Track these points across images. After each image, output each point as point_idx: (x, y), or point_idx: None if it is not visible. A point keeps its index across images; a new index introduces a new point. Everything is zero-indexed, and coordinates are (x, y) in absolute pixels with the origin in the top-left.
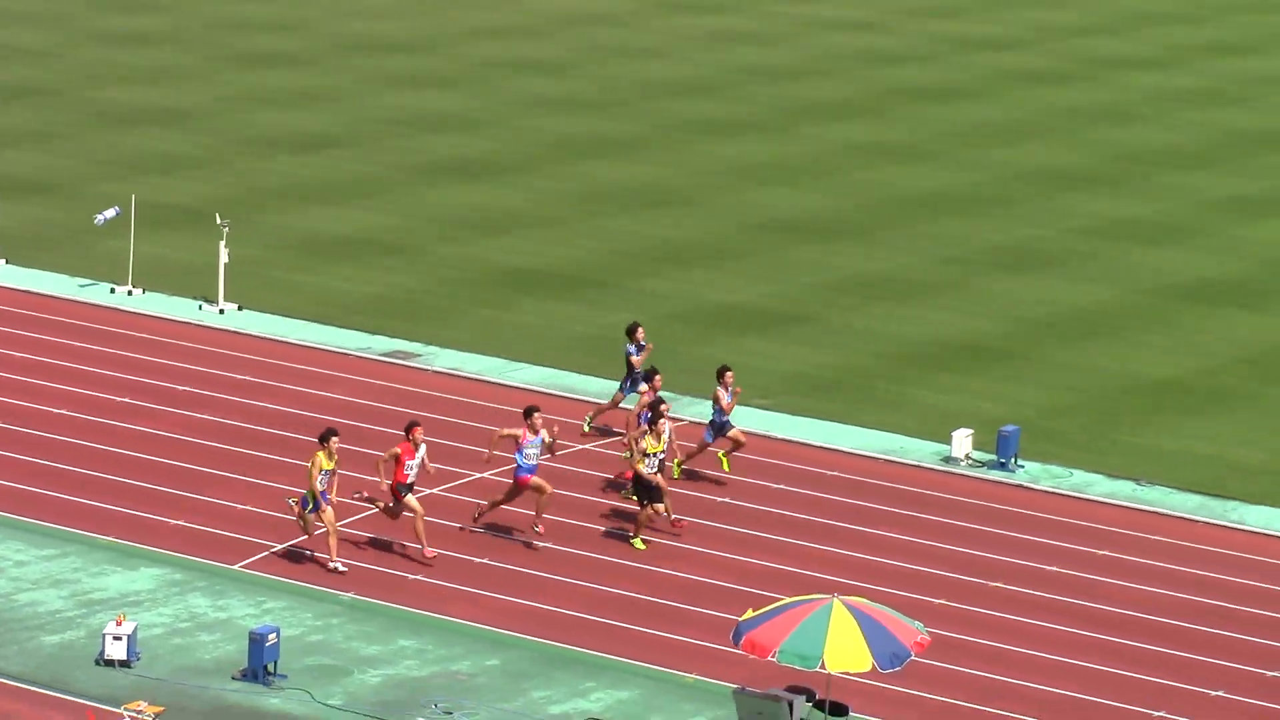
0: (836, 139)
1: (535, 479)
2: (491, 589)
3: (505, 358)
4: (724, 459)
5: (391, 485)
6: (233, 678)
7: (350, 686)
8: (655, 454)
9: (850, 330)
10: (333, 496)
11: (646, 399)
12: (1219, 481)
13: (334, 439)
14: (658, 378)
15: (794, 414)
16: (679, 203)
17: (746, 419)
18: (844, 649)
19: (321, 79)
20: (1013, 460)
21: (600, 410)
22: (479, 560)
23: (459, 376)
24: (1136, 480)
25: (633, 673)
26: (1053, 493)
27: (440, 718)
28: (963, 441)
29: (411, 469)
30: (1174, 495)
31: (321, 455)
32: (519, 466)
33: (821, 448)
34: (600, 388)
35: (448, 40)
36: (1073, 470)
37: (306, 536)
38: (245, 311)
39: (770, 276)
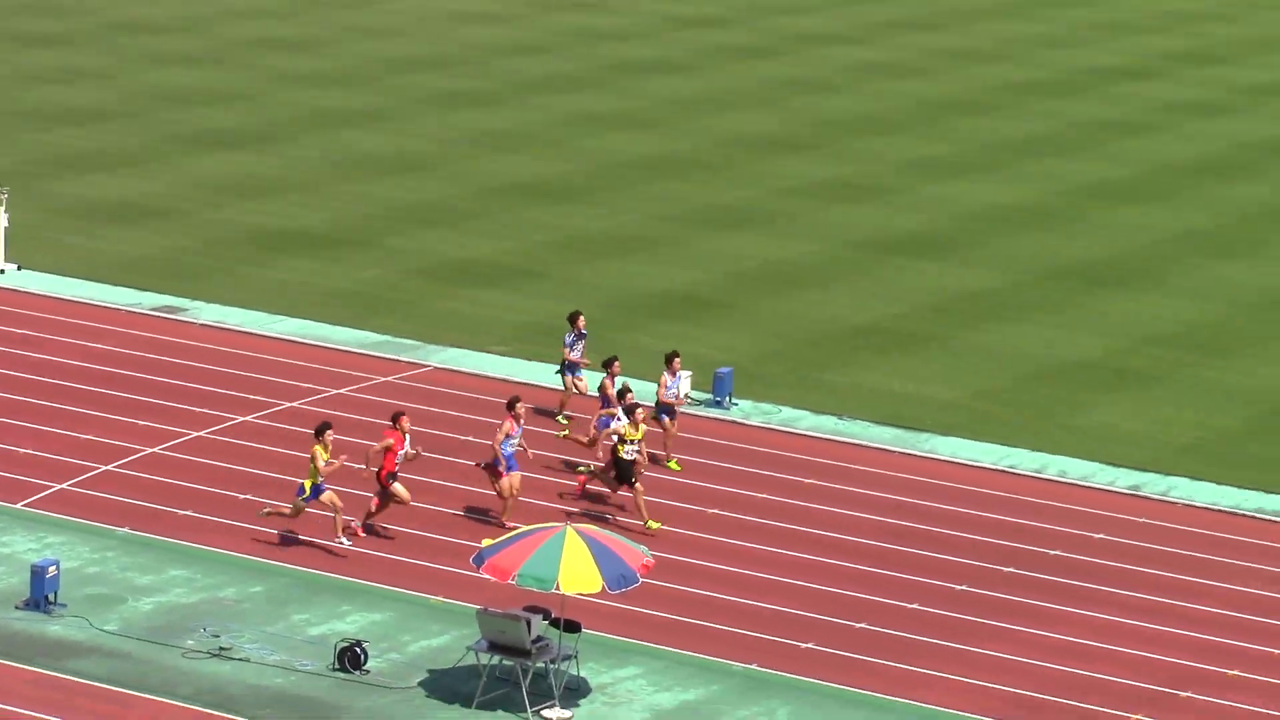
0: (564, 109)
1: (516, 476)
2: (251, 521)
3: (264, 311)
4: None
5: (381, 474)
6: (16, 607)
7: (125, 613)
8: (634, 440)
9: (579, 283)
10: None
11: (607, 383)
12: (913, 415)
13: (329, 432)
14: (616, 364)
15: (530, 360)
16: (422, 168)
17: (486, 366)
18: (576, 572)
19: (93, 58)
20: (727, 399)
21: (564, 403)
22: (242, 496)
23: (222, 329)
24: (838, 415)
25: (385, 596)
26: (763, 427)
27: (209, 641)
28: (684, 383)
29: (400, 458)
30: (872, 428)
31: (318, 448)
32: (498, 458)
33: (555, 390)
34: (350, 337)
35: (206, 21)
36: (781, 407)
37: (294, 521)
38: (24, 271)
39: (505, 234)
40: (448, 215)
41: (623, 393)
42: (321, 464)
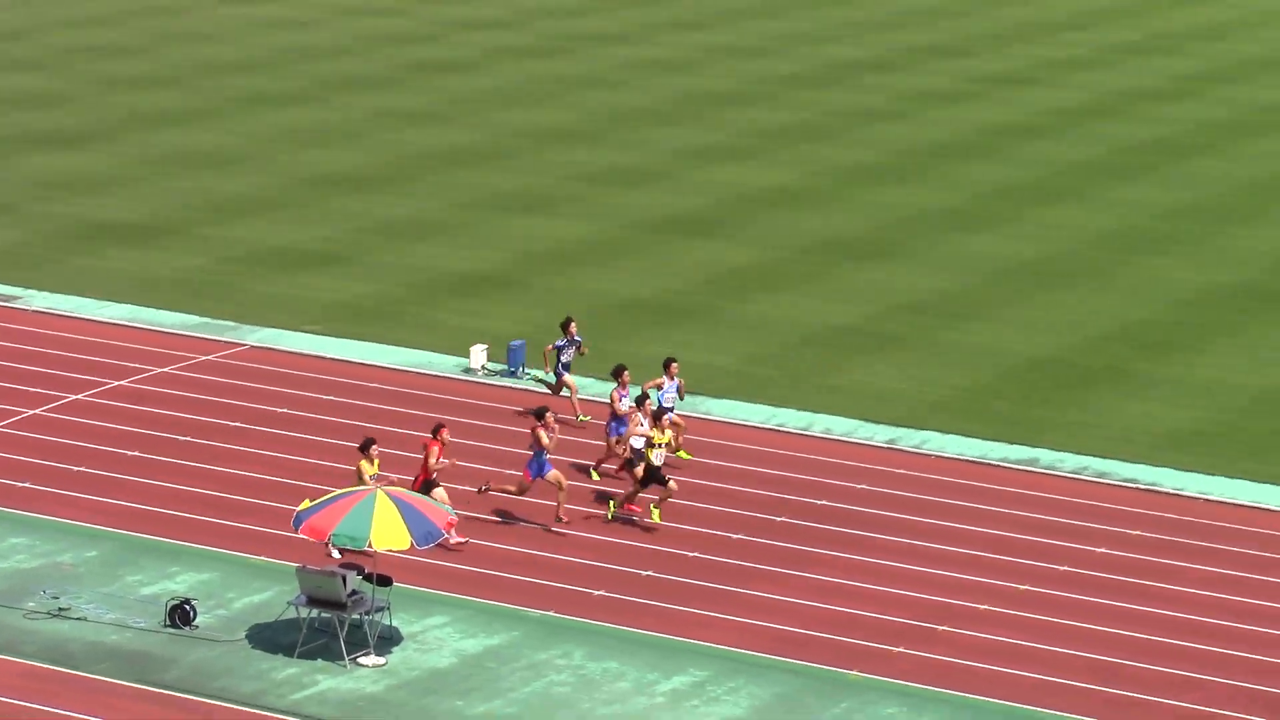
0: (366, 106)
1: (553, 473)
2: (85, 491)
3: (93, 298)
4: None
5: (416, 483)
6: None
7: None
8: (662, 444)
9: (384, 265)
10: None
11: (613, 393)
12: (689, 381)
13: (374, 447)
14: (626, 374)
15: (340, 337)
16: (236, 162)
17: (299, 344)
18: (387, 531)
19: None
20: (520, 369)
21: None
22: (76, 469)
23: (54, 315)
24: None
25: (211, 557)
26: (553, 395)
27: (49, 603)
28: (479, 355)
29: (440, 464)
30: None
31: (364, 463)
32: (533, 462)
33: (364, 364)
34: (172, 320)
35: (31, 30)
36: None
37: None
38: None
39: (318, 222)
40: (260, 205)
41: (641, 399)
42: (369, 478)
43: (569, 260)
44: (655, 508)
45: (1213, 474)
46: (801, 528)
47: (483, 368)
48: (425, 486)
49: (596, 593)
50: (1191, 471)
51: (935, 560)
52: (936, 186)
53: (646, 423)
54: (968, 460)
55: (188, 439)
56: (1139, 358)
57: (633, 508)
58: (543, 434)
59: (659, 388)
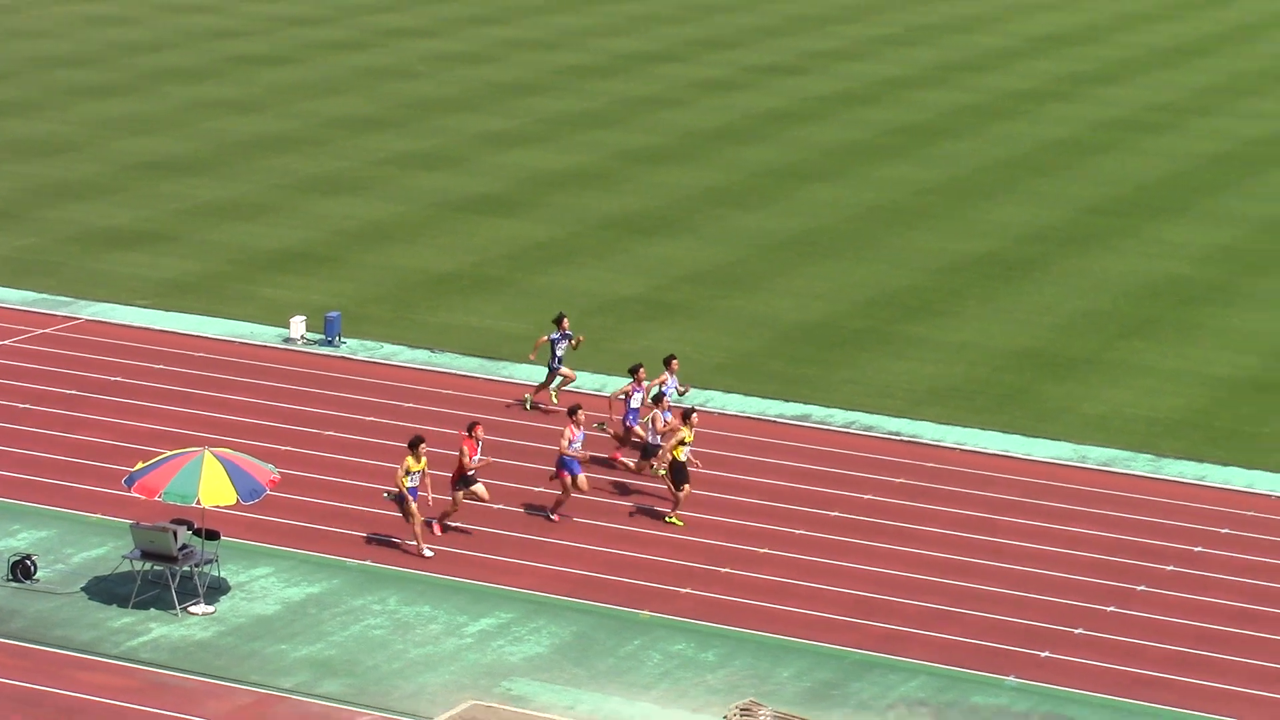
0: (188, 96)
1: (581, 477)
2: None
3: None
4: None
5: (454, 477)
6: None
7: None
8: (689, 443)
9: (207, 244)
10: (423, 494)
11: (628, 388)
12: (493, 347)
13: (422, 445)
14: (642, 370)
15: (167, 310)
16: (68, 150)
17: (130, 318)
18: (214, 488)
19: None
20: (337, 338)
21: (554, 388)
22: None
23: None
24: (431, 349)
25: (51, 516)
26: (368, 361)
27: None
28: (298, 325)
29: (475, 462)
30: (460, 359)
31: (410, 459)
32: (563, 460)
33: (190, 335)
34: (11, 296)
35: None
36: (382, 344)
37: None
38: None
39: (145, 204)
40: (91, 190)
41: (659, 398)
42: (404, 474)
43: (379, 237)
44: (676, 519)
45: (967, 426)
46: (598, 480)
47: (302, 337)
48: (463, 482)
49: (411, 542)
50: (948, 425)
51: (719, 509)
52: (714, 168)
53: (667, 416)
54: (747, 417)
55: (27, 406)
56: (899, 321)
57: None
58: (568, 430)
59: (662, 384)
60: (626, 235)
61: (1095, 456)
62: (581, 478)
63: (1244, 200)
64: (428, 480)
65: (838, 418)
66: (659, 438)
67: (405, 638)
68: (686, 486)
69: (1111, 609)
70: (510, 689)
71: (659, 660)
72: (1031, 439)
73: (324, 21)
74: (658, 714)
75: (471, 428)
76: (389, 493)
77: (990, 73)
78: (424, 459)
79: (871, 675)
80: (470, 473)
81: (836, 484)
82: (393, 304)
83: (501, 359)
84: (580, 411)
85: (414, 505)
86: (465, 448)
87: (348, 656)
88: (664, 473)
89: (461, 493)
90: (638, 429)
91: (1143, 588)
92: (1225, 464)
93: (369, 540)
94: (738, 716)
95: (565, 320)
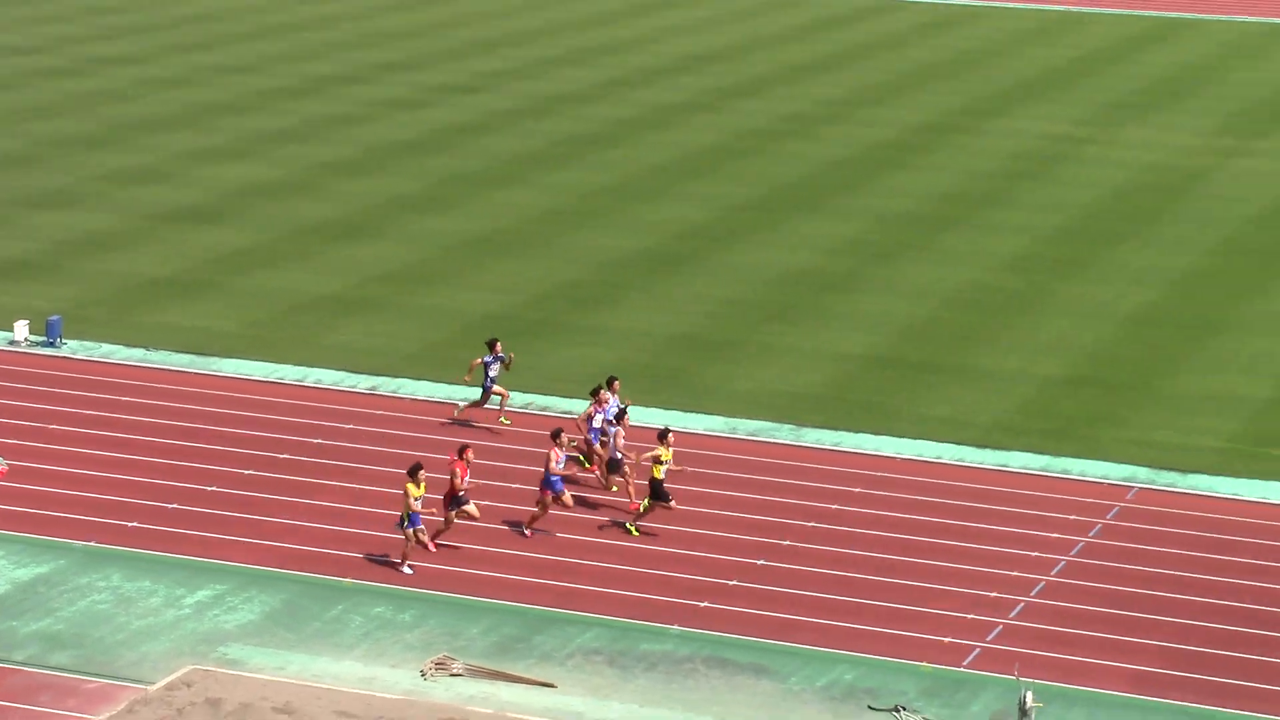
0: None
1: (566, 495)
2: None
3: None
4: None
5: (446, 498)
6: None
7: None
8: (667, 461)
9: None
10: (425, 516)
11: (590, 410)
12: (202, 344)
13: (421, 472)
14: (616, 382)
15: None
16: None
17: None
18: None
19: None
20: (58, 340)
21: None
22: None
23: None
24: (146, 347)
25: None
26: (88, 360)
27: None
28: (21, 329)
29: (467, 484)
30: (174, 356)
31: (410, 485)
32: (547, 479)
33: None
34: None
35: None
36: (101, 344)
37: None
38: None
39: None
40: None
41: (620, 415)
42: (414, 501)
43: (96, 247)
44: (633, 528)
45: (636, 404)
46: (303, 463)
47: (26, 340)
48: (454, 502)
49: (131, 524)
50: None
51: (396, 484)
52: (401, 176)
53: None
54: (435, 401)
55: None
56: (571, 311)
57: (634, 505)
58: (553, 452)
59: (605, 404)
60: (323, 240)
61: (745, 428)
62: (566, 495)
63: (867, 197)
64: (427, 503)
65: (516, 399)
66: (619, 453)
67: (128, 610)
68: (671, 502)
69: (761, 562)
70: (226, 653)
71: (361, 622)
72: (689, 414)
73: (44, 51)
74: (361, 670)
75: (462, 450)
76: (401, 520)
77: (645, 88)
78: (423, 485)
79: (552, 629)
80: (461, 493)
81: (512, 458)
82: (110, 307)
83: (211, 355)
84: (563, 434)
85: (412, 531)
86: (457, 469)
87: (75, 630)
88: (616, 490)
89: (454, 512)
90: (598, 447)
91: (788, 542)
92: (857, 431)
93: (94, 523)
94: (433, 670)
95: (498, 344)
